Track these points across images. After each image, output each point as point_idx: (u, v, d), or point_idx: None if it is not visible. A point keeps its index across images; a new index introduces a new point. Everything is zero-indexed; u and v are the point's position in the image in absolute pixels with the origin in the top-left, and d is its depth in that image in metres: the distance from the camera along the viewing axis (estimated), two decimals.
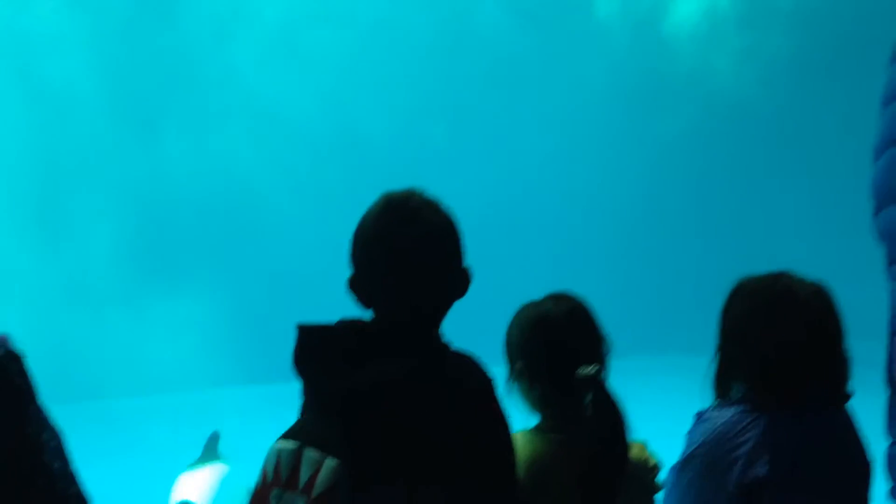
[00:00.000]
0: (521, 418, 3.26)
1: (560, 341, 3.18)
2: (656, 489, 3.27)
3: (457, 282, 2.76)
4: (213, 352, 12.94)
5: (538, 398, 3.21)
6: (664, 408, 7.20)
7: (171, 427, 11.00)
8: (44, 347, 12.70)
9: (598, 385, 3.04)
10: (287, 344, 2.62)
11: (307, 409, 2.65)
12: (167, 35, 13.78)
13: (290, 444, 2.53)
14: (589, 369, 3.07)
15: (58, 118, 13.37)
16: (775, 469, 3.02)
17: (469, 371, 2.71)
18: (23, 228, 13.14)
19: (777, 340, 3.12)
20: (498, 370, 2.89)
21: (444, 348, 2.72)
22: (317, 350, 2.64)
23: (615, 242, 14.90)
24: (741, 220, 15.07)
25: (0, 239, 12.96)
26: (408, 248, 2.66)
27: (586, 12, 15.38)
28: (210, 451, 7.88)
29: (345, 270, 2.70)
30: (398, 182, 2.82)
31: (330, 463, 2.46)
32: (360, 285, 2.72)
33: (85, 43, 13.54)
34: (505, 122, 14.87)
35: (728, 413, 3.15)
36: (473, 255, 2.77)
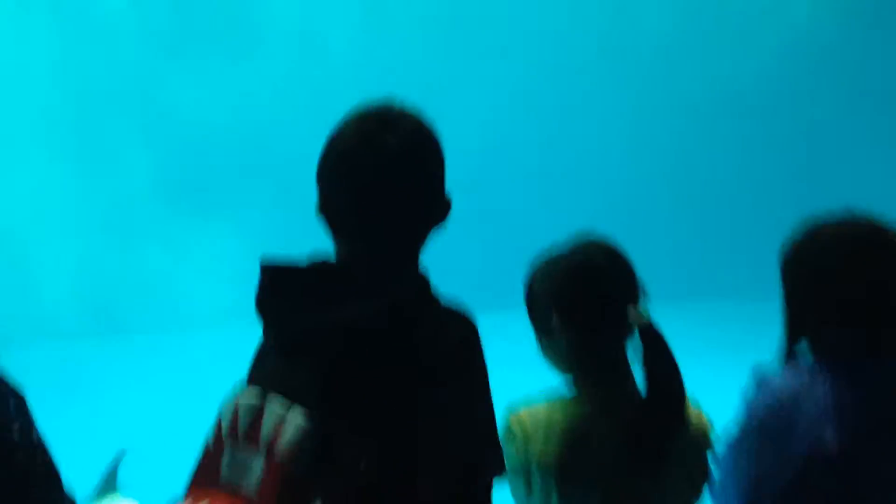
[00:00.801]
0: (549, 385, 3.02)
1: (605, 289, 2.92)
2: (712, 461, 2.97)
3: (436, 208, 2.45)
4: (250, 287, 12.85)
5: (577, 356, 2.96)
6: (704, 361, 7.08)
7: (201, 364, 11.04)
8: (78, 281, 12.83)
9: (650, 332, 2.81)
10: None
11: (268, 353, 2.41)
12: None
13: (251, 393, 2.22)
14: (638, 312, 2.85)
15: (96, 44, 13.30)
16: (851, 436, 2.69)
17: (451, 319, 2.38)
18: (60, 158, 13.14)
19: (869, 280, 2.79)
20: (486, 319, 2.59)
21: (424, 289, 2.41)
22: (283, 289, 2.34)
23: (652, 182, 14.63)
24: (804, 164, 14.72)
25: (36, 168, 12.97)
26: (381, 164, 2.35)
27: None
28: (109, 483, 6.33)
29: None
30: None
31: (295, 418, 2.13)
32: (328, 211, 2.44)
33: None
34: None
35: (796, 376, 2.81)
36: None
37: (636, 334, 2.87)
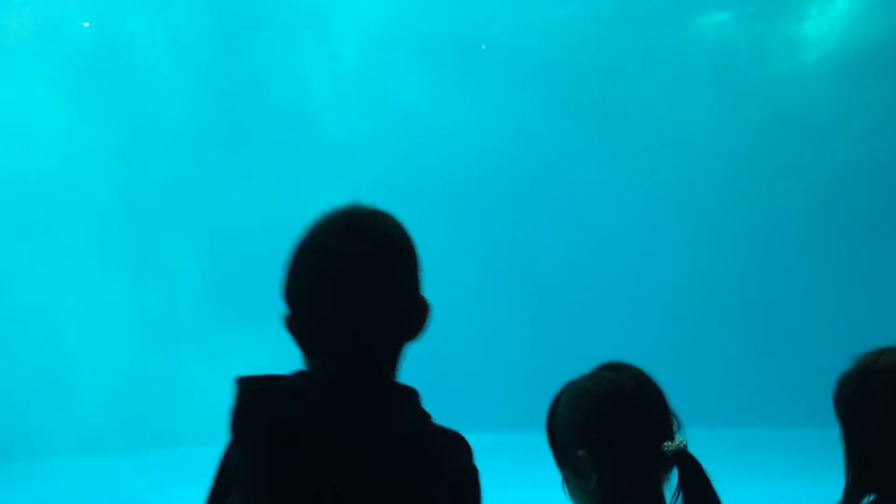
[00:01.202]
0: None
1: (636, 416, 2.62)
2: None
3: (412, 314, 2.23)
4: None
5: (608, 494, 2.61)
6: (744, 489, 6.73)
7: None
8: (118, 390, 12.60)
9: (689, 464, 2.53)
10: None
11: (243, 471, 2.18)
12: (249, 73, 13.83)
13: None
14: (676, 443, 2.57)
15: (151, 150, 13.43)
16: None
17: (446, 453, 2.16)
18: (109, 262, 13.15)
19: None
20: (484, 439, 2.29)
21: (408, 407, 2.19)
22: (260, 409, 2.14)
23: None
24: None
25: (88, 270, 12.97)
26: (352, 268, 2.15)
27: None
28: None
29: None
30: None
31: None
32: (295, 325, 2.23)
33: (179, 77, 13.58)
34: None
35: None
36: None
37: (674, 471, 2.60)
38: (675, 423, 2.66)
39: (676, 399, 2.70)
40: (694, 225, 14.48)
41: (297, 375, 2.21)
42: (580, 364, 2.87)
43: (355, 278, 2.15)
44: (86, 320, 12.89)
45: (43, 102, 13.18)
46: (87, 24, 13.56)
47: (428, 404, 2.21)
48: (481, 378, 13.51)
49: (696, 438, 2.75)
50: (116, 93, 13.38)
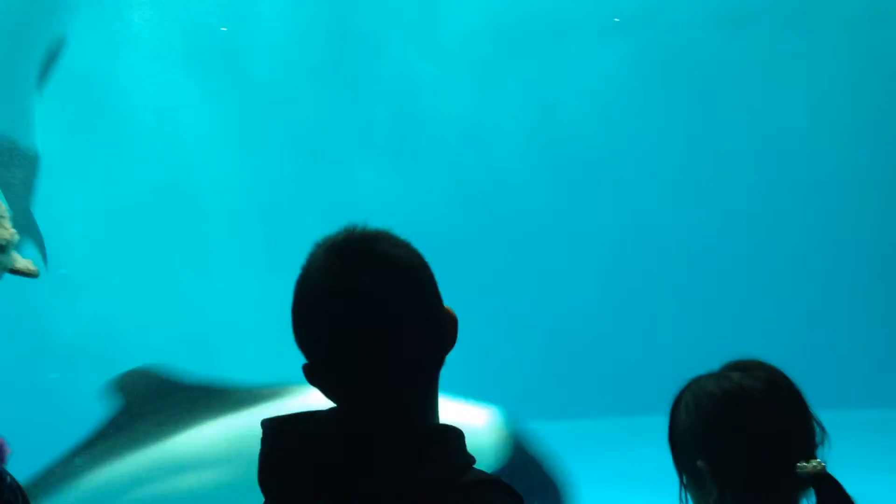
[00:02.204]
0: None
1: (766, 426, 2.32)
2: None
3: (436, 335, 2.03)
4: None
5: None
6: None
7: None
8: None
9: (828, 486, 2.24)
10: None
11: None
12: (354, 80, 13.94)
13: None
14: (813, 464, 2.26)
15: (273, 149, 13.66)
16: None
17: (491, 498, 1.95)
18: (250, 258, 13.44)
19: None
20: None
21: (439, 456, 1.97)
22: (290, 465, 2.00)
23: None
24: None
25: (229, 266, 13.23)
26: (359, 305, 1.95)
27: None
28: None
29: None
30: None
31: None
32: (314, 375, 2.05)
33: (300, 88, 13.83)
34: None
35: None
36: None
37: (812, 493, 2.31)
38: (819, 433, 2.38)
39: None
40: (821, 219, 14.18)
41: (330, 416, 2.05)
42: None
43: (364, 315, 1.95)
44: (227, 317, 13.24)
45: (180, 96, 13.52)
46: (224, 29, 13.91)
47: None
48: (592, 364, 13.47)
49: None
50: (240, 89, 13.63)
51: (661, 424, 2.52)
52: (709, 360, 2.51)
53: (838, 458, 2.45)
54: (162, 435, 6.10)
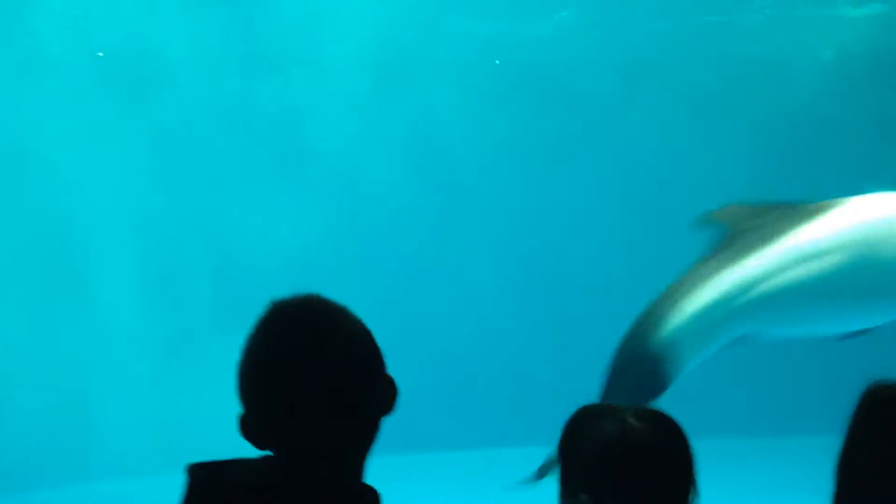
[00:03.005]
0: None
1: (652, 478, 2.37)
2: None
3: (370, 404, 2.14)
4: None
5: None
6: None
7: None
8: (141, 412, 12.74)
9: None
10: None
11: None
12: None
13: None
14: None
15: (161, 172, 13.50)
16: None
17: None
18: (123, 286, 13.18)
19: None
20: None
21: None
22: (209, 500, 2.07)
23: None
24: None
25: (102, 296, 12.95)
26: (289, 370, 2.05)
27: None
28: None
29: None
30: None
31: None
32: (246, 428, 2.14)
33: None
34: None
35: None
36: None
37: None
38: (693, 490, 2.42)
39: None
40: None
41: (254, 465, 2.13)
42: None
43: (312, 379, 2.07)
44: (106, 346, 12.96)
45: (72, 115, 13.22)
46: (101, 55, 13.72)
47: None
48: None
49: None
50: (124, 115, 13.40)
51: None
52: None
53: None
54: (779, 234, 7.33)
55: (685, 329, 7.37)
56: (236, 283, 13.57)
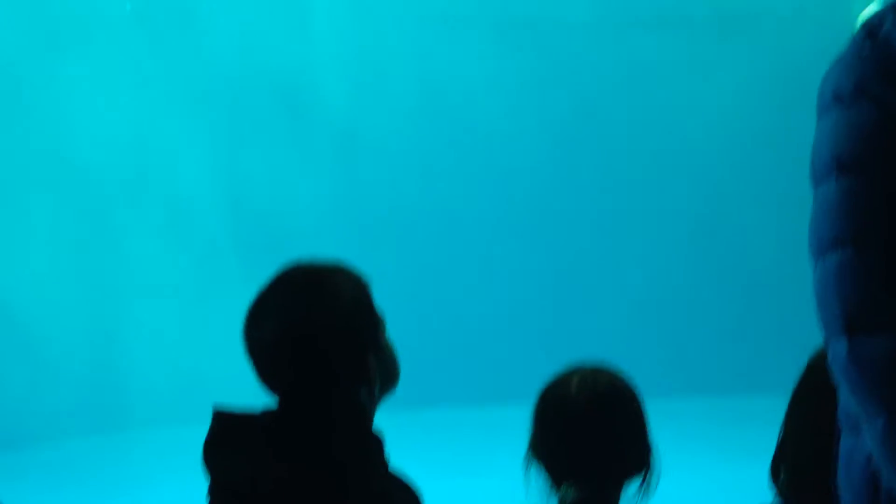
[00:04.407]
0: None
1: (581, 438, 2.45)
2: None
3: (362, 380, 2.37)
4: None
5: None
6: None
7: None
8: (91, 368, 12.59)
9: None
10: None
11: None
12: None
13: None
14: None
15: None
16: None
17: (396, 489, 2.30)
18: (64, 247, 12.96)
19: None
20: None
21: (372, 451, 2.31)
22: (230, 440, 2.32)
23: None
24: None
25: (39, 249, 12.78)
26: (317, 335, 2.32)
27: None
28: None
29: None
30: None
31: None
32: (269, 377, 2.39)
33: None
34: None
35: None
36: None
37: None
38: (647, 450, 2.48)
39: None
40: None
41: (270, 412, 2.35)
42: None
43: (278, 359, 2.33)
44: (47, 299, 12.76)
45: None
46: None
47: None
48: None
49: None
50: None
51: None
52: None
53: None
54: None
55: None
56: (256, 234, 13.48)
